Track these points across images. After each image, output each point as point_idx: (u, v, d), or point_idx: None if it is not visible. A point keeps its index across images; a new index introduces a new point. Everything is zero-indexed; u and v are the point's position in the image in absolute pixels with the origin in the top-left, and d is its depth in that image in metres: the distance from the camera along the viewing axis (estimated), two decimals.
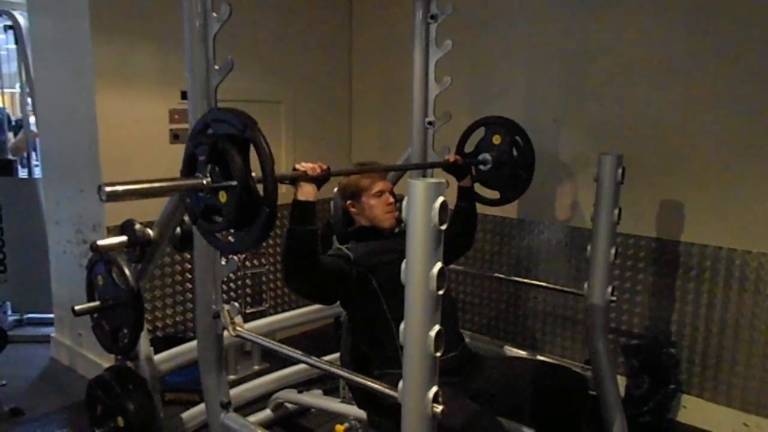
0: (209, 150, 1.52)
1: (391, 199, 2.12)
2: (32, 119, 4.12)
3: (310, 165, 1.80)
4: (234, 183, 1.48)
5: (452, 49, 2.58)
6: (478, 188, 2.54)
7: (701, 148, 2.68)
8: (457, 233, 2.28)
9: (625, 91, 2.86)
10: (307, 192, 1.77)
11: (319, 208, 1.93)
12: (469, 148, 2.67)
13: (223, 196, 1.51)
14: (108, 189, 1.39)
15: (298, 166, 1.80)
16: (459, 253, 2.40)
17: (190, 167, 1.58)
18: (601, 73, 2.92)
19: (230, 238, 1.61)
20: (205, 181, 1.53)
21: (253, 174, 1.49)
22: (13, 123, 4.65)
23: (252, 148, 1.48)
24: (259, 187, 1.49)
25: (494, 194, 2.67)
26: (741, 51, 2.54)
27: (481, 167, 2.59)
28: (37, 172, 4.24)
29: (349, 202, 2.15)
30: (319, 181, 1.80)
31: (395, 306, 1.87)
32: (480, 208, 2.48)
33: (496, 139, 2.58)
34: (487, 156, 2.59)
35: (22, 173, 4.55)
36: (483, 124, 2.63)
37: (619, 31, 2.84)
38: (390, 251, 1.98)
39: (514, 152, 2.58)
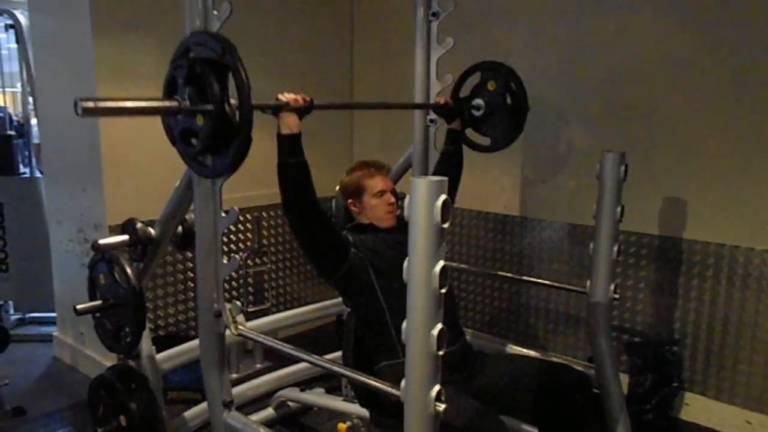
0: (188, 73, 1.52)
1: (392, 199, 2.11)
2: (33, 119, 4.12)
3: (292, 96, 1.77)
4: (210, 107, 1.48)
5: (454, 46, 2.57)
6: (471, 135, 2.53)
7: (704, 145, 2.68)
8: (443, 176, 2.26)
9: (627, 88, 2.85)
10: (289, 124, 1.75)
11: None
12: (464, 93, 2.61)
13: (200, 119, 1.52)
14: (84, 104, 1.37)
15: (280, 97, 1.77)
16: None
17: (169, 90, 1.59)
18: (604, 70, 2.91)
19: (208, 162, 1.61)
20: (182, 104, 1.53)
21: (233, 101, 1.49)
22: (15, 123, 4.62)
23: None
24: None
25: (486, 141, 2.62)
26: (747, 46, 2.53)
27: (474, 112, 2.53)
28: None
29: (350, 201, 2.14)
30: (302, 112, 1.78)
31: (390, 294, 1.89)
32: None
33: (491, 85, 2.53)
34: (480, 101, 2.53)
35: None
36: (479, 69, 2.58)
37: (623, 27, 2.83)
38: (388, 242, 1.98)
39: (508, 99, 2.53)
